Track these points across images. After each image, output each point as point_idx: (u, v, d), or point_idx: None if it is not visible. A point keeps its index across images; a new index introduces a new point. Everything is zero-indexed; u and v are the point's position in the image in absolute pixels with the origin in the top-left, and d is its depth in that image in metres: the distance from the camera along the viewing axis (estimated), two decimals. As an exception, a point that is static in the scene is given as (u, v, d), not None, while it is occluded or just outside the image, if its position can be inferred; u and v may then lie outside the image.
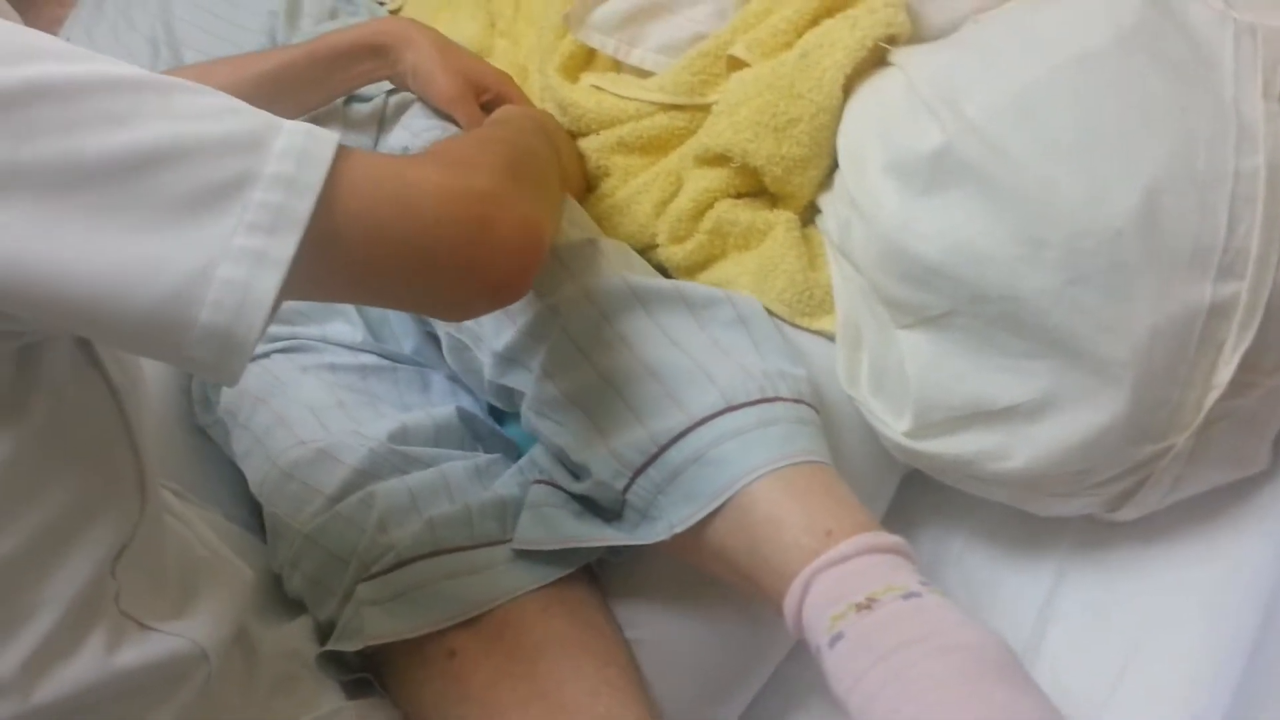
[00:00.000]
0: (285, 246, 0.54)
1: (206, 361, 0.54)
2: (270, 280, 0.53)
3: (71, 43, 1.45)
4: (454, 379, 1.13)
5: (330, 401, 1.02)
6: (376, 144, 1.19)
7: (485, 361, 0.92)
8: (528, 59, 1.30)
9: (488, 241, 0.64)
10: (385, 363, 1.10)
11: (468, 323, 0.93)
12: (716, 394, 0.78)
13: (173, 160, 0.52)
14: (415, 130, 1.14)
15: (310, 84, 1.13)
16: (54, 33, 1.56)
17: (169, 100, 0.53)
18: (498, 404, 1.02)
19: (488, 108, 1.12)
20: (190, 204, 0.52)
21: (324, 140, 0.57)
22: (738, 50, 0.95)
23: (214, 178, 0.53)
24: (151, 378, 0.90)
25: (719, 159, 0.94)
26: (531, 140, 0.87)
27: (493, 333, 0.89)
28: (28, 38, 0.52)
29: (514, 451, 1.07)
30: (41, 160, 0.49)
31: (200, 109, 0.54)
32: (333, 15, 1.48)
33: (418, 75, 1.11)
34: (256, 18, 1.43)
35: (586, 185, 1.11)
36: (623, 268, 0.87)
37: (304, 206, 0.54)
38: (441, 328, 0.99)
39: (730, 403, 0.77)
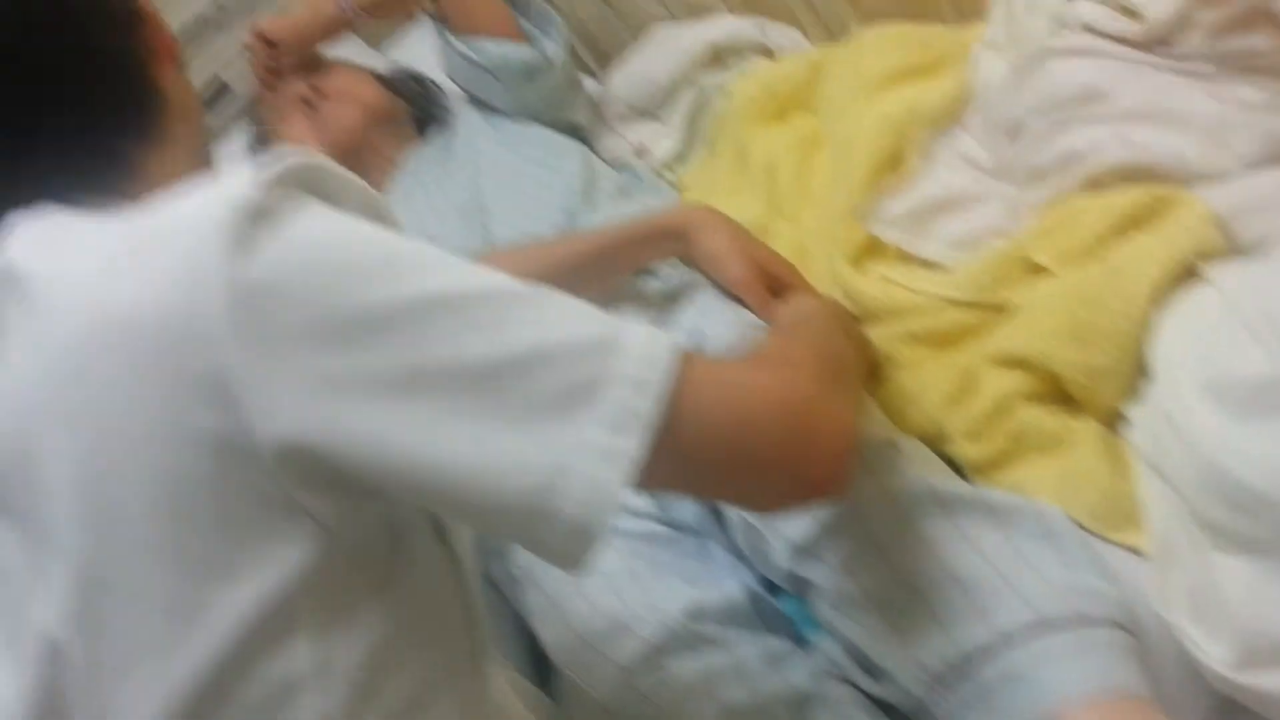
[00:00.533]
0: (635, 443, 0.58)
1: (561, 550, 0.59)
2: (622, 475, 0.57)
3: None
4: (733, 551, 1.16)
5: (622, 569, 1.06)
6: (667, 319, 1.26)
7: (777, 548, 0.95)
8: (808, 239, 1.35)
9: (811, 446, 0.67)
10: (670, 532, 1.14)
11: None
12: (1024, 607, 0.78)
13: (541, 363, 0.58)
14: (704, 309, 1.20)
15: (612, 267, 1.22)
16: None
17: (536, 308, 0.60)
18: (784, 586, 1.04)
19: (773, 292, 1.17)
20: (555, 403, 0.57)
21: (667, 344, 0.62)
22: (1039, 257, 0.97)
23: (574, 378, 0.58)
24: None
25: (1020, 363, 0.95)
26: (837, 340, 0.91)
27: (788, 522, 0.92)
28: (422, 253, 0.59)
29: (792, 630, 1.09)
30: (436, 364, 0.56)
31: (560, 315, 0.60)
32: (624, 193, 1.58)
33: (711, 259, 1.17)
34: (557, 194, 1.54)
35: (871, 372, 1.14)
36: (924, 470, 0.89)
37: (652, 406, 0.59)
38: (736, 519, 1.03)
39: (1040, 618, 0.77)
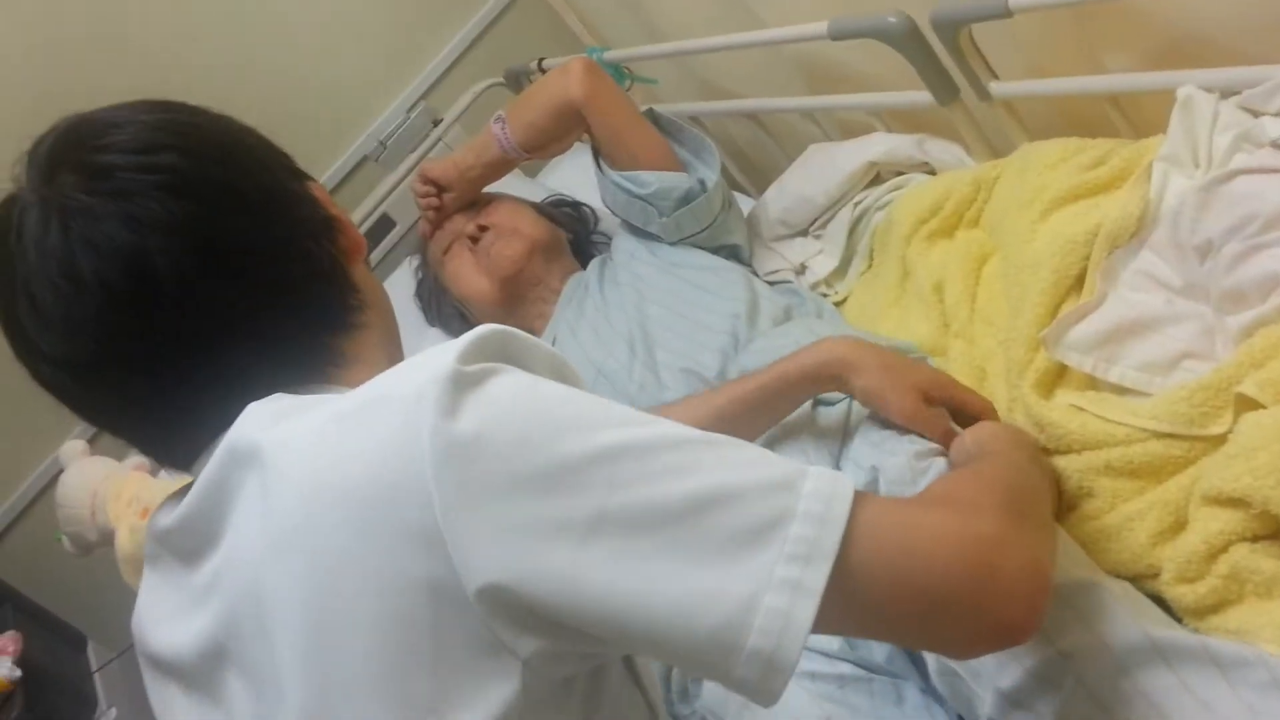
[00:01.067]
0: (818, 576, 0.60)
1: (751, 681, 0.61)
2: (808, 609, 0.60)
3: (556, 340, 1.65)
4: (925, 691, 1.13)
5: (816, 714, 1.05)
6: (840, 453, 1.25)
7: (984, 697, 0.92)
8: (985, 361, 1.33)
9: (995, 587, 0.66)
10: (861, 673, 1.13)
11: (970, 661, 0.93)
12: None
13: (726, 502, 0.61)
14: (875, 441, 1.19)
15: (771, 411, 1.24)
16: (538, 329, 1.77)
17: (718, 452, 0.64)
18: None
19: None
20: (741, 540, 0.61)
21: (843, 482, 0.64)
22: (1247, 388, 0.94)
23: (758, 516, 0.61)
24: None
25: (1235, 502, 0.91)
26: (1028, 473, 0.90)
27: (995, 670, 0.89)
28: (608, 408, 0.65)
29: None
30: (626, 507, 0.61)
31: (741, 459, 0.64)
32: (788, 315, 1.59)
33: (870, 396, 1.17)
34: (721, 319, 1.56)
35: (1062, 504, 1.11)
36: (1139, 615, 0.86)
37: (833, 540, 0.61)
38: (934, 663, 1.00)
39: None
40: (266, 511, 0.65)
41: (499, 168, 1.85)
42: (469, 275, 1.82)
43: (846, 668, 1.13)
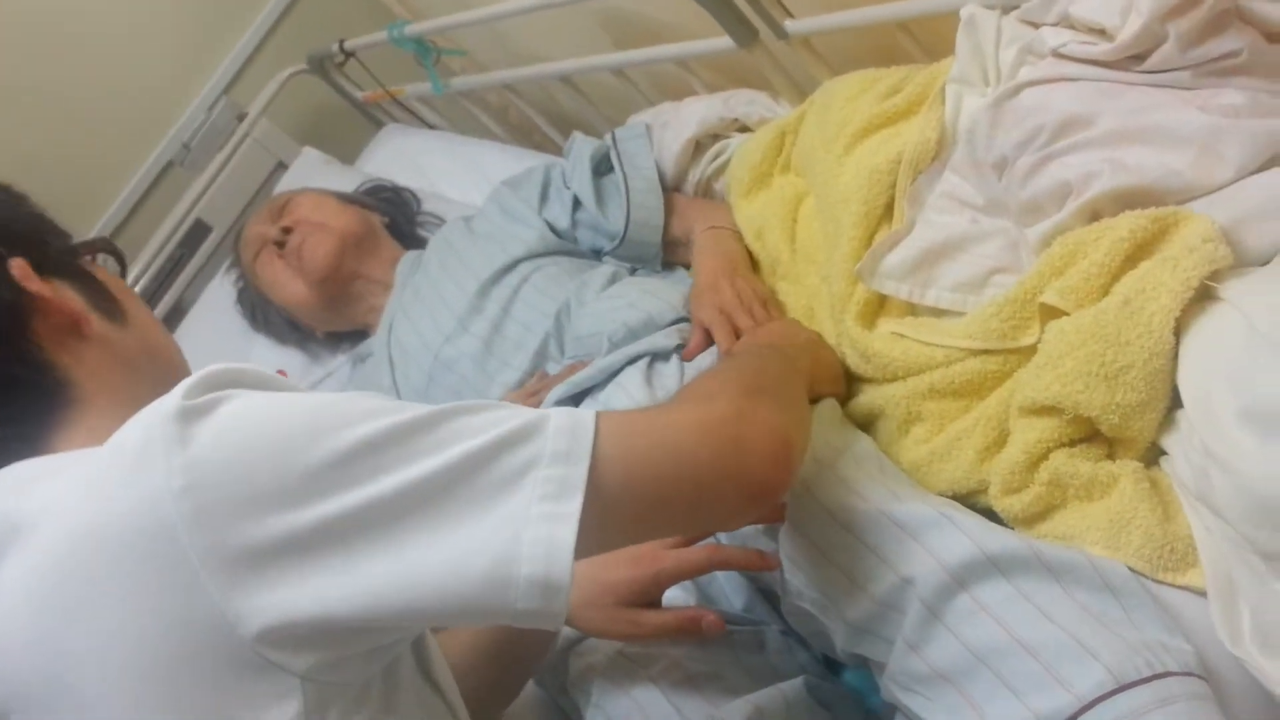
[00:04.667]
0: (573, 505, 0.65)
1: (533, 610, 0.64)
2: (567, 531, 0.64)
3: (393, 328, 1.60)
4: (786, 633, 1.14)
5: (679, 678, 1.04)
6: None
7: (835, 629, 0.93)
8: (812, 299, 1.34)
9: (741, 456, 0.74)
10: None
11: (811, 590, 0.94)
12: (1103, 671, 0.75)
13: (476, 463, 0.65)
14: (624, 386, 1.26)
15: None
16: (371, 323, 1.72)
17: (459, 422, 0.66)
18: (844, 661, 1.01)
19: None
20: (495, 492, 0.65)
21: (584, 415, 0.69)
22: (1049, 297, 0.95)
23: (509, 468, 0.65)
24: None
25: (1049, 410, 0.93)
26: (768, 360, 0.95)
27: (845, 602, 0.90)
28: (344, 405, 0.66)
29: (860, 708, 1.06)
30: (377, 501, 0.63)
31: (483, 421, 0.67)
32: (615, 278, 1.56)
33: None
34: (562, 288, 1.53)
35: (894, 430, 1.12)
36: (972, 530, 0.86)
37: (580, 471, 0.66)
38: (783, 593, 1.00)
39: (1120, 681, 0.75)
40: (29, 575, 0.63)
41: None
42: (283, 281, 1.74)
43: (705, 623, 1.12)
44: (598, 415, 0.70)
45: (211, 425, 0.63)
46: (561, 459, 0.66)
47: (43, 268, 0.82)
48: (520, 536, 0.63)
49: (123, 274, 0.93)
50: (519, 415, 0.68)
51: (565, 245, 1.66)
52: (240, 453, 0.62)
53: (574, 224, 1.65)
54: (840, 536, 0.90)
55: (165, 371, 0.85)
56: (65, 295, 0.83)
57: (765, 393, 0.81)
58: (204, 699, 0.62)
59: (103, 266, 0.91)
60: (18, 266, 0.80)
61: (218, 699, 0.62)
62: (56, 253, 0.86)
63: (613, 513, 0.69)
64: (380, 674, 0.70)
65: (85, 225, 2.29)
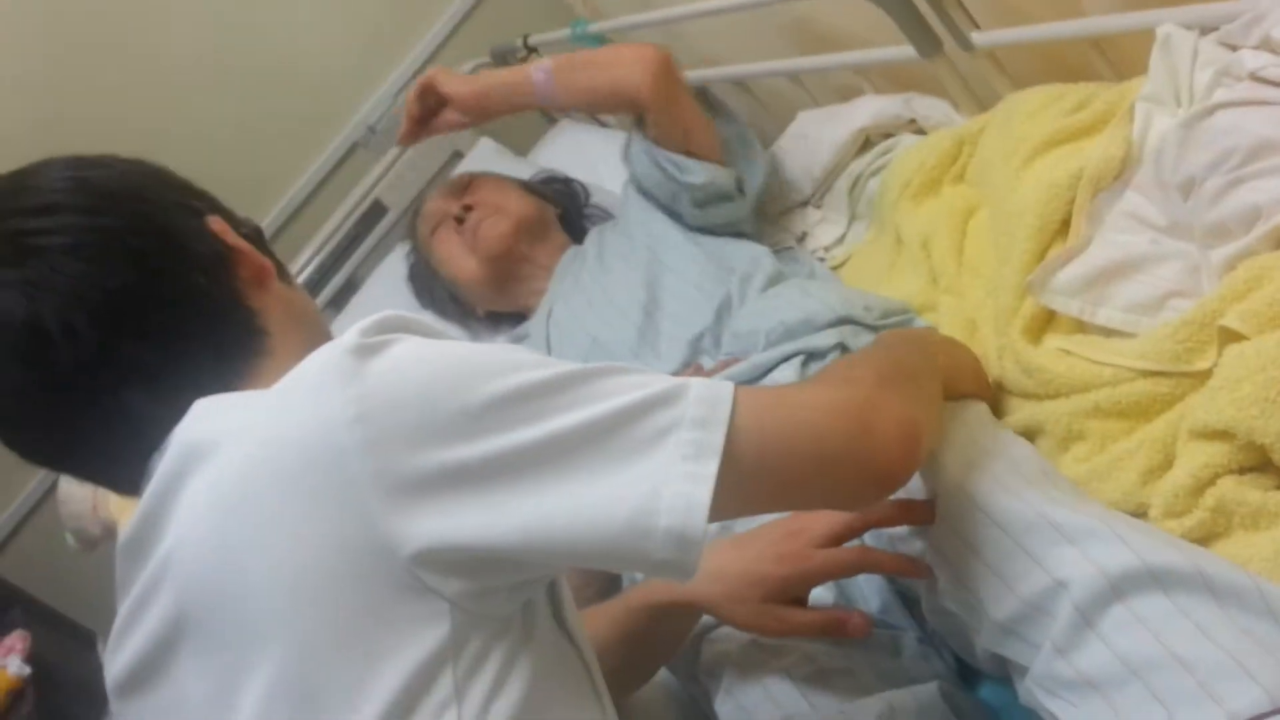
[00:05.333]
0: (710, 468, 0.69)
1: (669, 560, 0.68)
2: (705, 490, 0.68)
3: (551, 314, 1.64)
4: (923, 640, 1.13)
5: (810, 671, 1.04)
6: None
7: (978, 628, 0.92)
8: (975, 313, 1.32)
9: (870, 440, 0.78)
10: (858, 626, 1.12)
11: (957, 588, 0.93)
12: (1260, 691, 0.73)
13: (621, 421, 0.69)
14: None
15: (645, 639, 1.09)
16: (531, 306, 1.77)
17: (608, 380, 0.70)
18: (988, 671, 1.00)
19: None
20: (640, 448, 0.69)
21: (724, 386, 0.73)
22: (1230, 321, 0.93)
23: (652, 427, 0.69)
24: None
25: (1220, 434, 0.90)
26: (898, 353, 0.98)
27: (991, 601, 0.89)
28: (507, 357, 0.71)
29: (995, 721, 1.05)
30: (533, 443, 0.68)
31: (631, 382, 0.71)
32: (780, 277, 1.57)
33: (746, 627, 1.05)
34: (721, 285, 1.55)
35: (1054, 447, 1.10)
36: (1134, 543, 0.85)
37: (718, 437, 0.70)
38: (927, 590, 1.00)
39: (1277, 704, 0.72)
40: (213, 491, 0.69)
41: (518, 108, 1.72)
42: (456, 256, 1.81)
43: (842, 621, 1.12)
44: (736, 388, 0.73)
45: (384, 362, 0.68)
46: (700, 424, 0.70)
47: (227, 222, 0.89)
48: (660, 491, 0.68)
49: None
50: (664, 380, 0.72)
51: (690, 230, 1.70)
52: (409, 389, 0.68)
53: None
54: (993, 534, 0.89)
55: (322, 333, 0.91)
56: (251, 248, 0.89)
57: (899, 383, 0.86)
58: (361, 615, 0.67)
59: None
60: (216, 223, 0.87)
61: (374, 616, 0.67)
62: (230, 216, 0.92)
63: (745, 481, 0.72)
64: (520, 612, 0.74)
65: (271, 200, 2.42)
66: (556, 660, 0.78)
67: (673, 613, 1.06)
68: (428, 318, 1.99)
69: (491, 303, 1.89)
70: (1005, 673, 0.94)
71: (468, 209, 1.80)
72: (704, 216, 1.68)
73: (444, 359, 0.70)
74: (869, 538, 1.06)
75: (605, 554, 0.70)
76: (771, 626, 1.01)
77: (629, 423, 0.69)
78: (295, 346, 0.83)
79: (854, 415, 0.78)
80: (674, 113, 1.63)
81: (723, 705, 1.08)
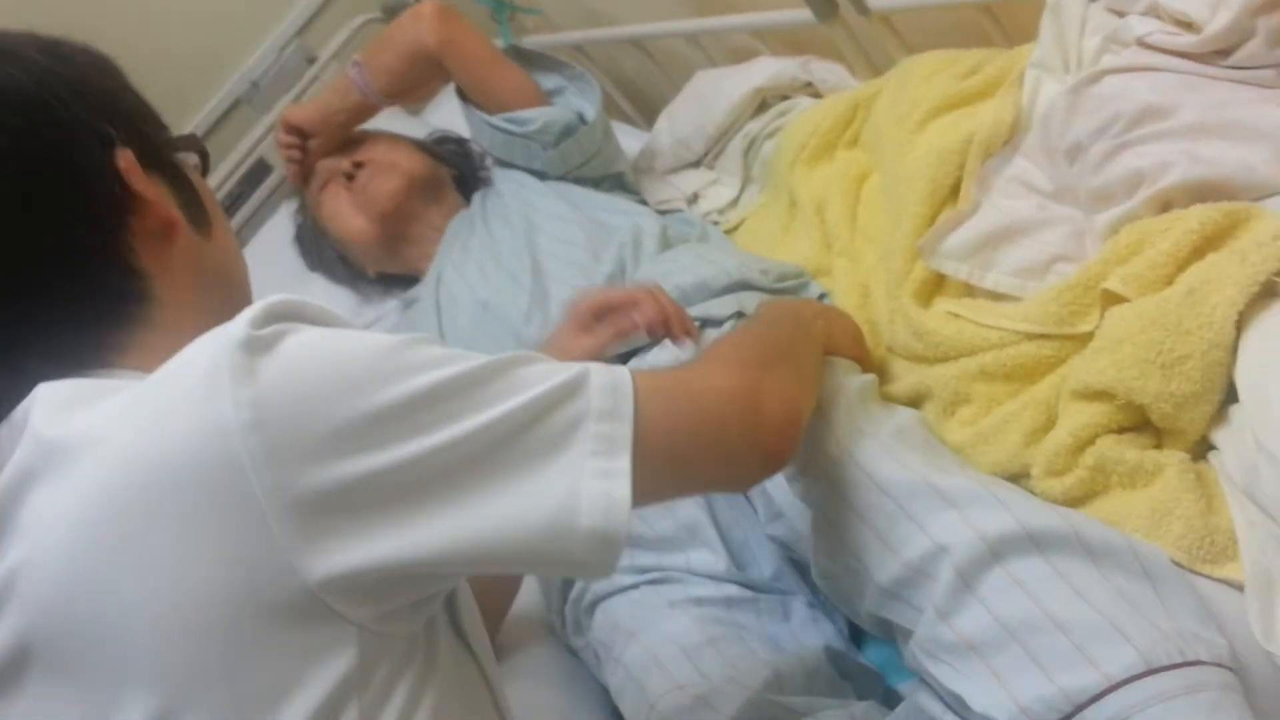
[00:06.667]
0: (622, 461, 0.67)
1: (589, 560, 0.66)
2: (622, 487, 0.67)
3: (441, 278, 1.61)
4: (813, 605, 1.13)
5: (701, 639, 1.04)
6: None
7: (863, 592, 0.92)
8: (868, 277, 1.33)
9: (763, 427, 0.80)
10: (748, 593, 1.12)
11: (843, 553, 0.93)
12: (1133, 654, 0.74)
13: (532, 418, 0.66)
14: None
15: None
16: (422, 269, 1.73)
17: (515, 374, 0.68)
18: (873, 632, 1.01)
19: None
20: (550, 446, 0.66)
21: (621, 374, 0.71)
22: (1112, 284, 0.94)
23: (559, 422, 0.67)
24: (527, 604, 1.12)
25: (1101, 395, 0.92)
26: (780, 331, 0.99)
27: (875, 564, 0.89)
28: (405, 352, 0.65)
29: (879, 685, 1.06)
30: (441, 449, 0.63)
31: (532, 375, 0.68)
32: (671, 241, 1.57)
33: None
34: (609, 250, 1.53)
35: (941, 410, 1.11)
36: (1013, 507, 0.86)
37: (626, 431, 0.69)
38: (814, 561, 1.00)
39: (1150, 664, 0.74)
40: (77, 503, 0.60)
41: (363, 112, 1.80)
42: (346, 214, 1.76)
43: (733, 589, 1.12)
44: (633, 374, 0.72)
45: (278, 360, 0.61)
46: (607, 416, 0.68)
47: (143, 159, 0.77)
48: (578, 490, 0.65)
49: (205, 173, 0.90)
50: (563, 370, 0.70)
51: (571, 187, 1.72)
52: (310, 390, 0.61)
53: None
54: (877, 499, 0.89)
55: (233, 295, 0.83)
56: (162, 195, 0.79)
57: (783, 365, 0.87)
58: (254, 648, 0.60)
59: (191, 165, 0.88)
60: (125, 159, 0.75)
61: (270, 648, 0.60)
62: (155, 145, 0.81)
63: (652, 470, 0.70)
64: (422, 631, 0.70)
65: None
66: (459, 682, 0.74)
67: None
68: (318, 282, 1.95)
69: (382, 264, 1.84)
70: (892, 636, 0.95)
71: (358, 166, 1.75)
72: (565, 159, 1.71)
73: (344, 355, 0.63)
74: (763, 515, 1.08)
75: (526, 559, 0.68)
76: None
77: (536, 420, 0.66)
78: (189, 310, 0.77)
79: (748, 402, 0.79)
80: (467, 51, 1.69)
81: (613, 674, 1.07)
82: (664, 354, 1.29)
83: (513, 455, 0.65)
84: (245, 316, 0.62)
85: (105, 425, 0.61)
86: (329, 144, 1.80)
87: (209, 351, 0.61)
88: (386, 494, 0.61)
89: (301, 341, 0.63)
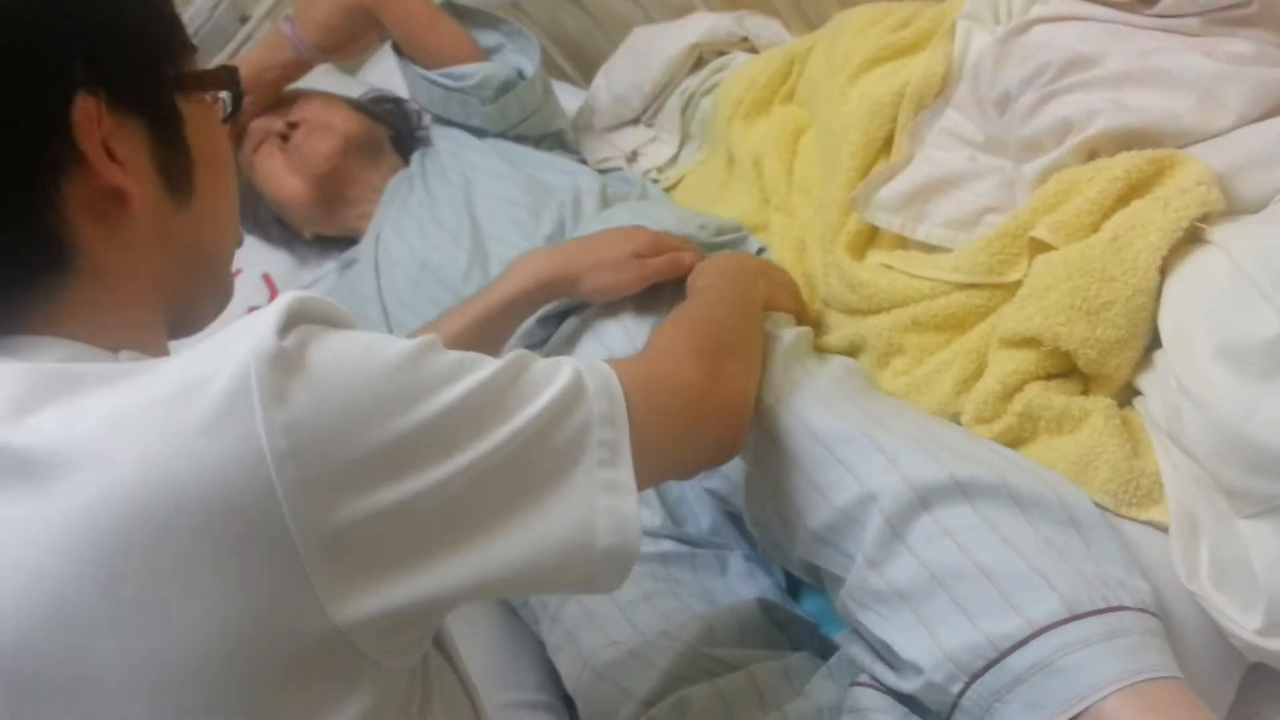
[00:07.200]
0: (626, 471, 0.67)
1: (606, 578, 0.67)
2: (631, 500, 0.66)
3: (380, 238, 1.59)
4: (750, 558, 1.14)
5: (636, 594, 1.04)
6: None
7: (796, 539, 0.93)
8: (804, 232, 1.33)
9: (725, 419, 0.83)
10: (684, 548, 1.13)
11: (776, 499, 0.94)
12: (1057, 599, 0.75)
13: (540, 431, 0.64)
14: (601, 336, 1.27)
15: (500, 330, 1.25)
16: (360, 229, 1.71)
17: (524, 382, 0.65)
18: (805, 579, 1.02)
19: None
20: (563, 461, 0.65)
21: (607, 373, 0.71)
22: (1040, 232, 0.95)
23: (568, 432, 0.66)
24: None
25: (1028, 342, 0.92)
26: (723, 310, 0.98)
27: (808, 510, 0.90)
28: (427, 364, 0.60)
29: (815, 635, 1.07)
30: (472, 463, 0.60)
31: (539, 378, 0.66)
32: (610, 199, 1.56)
33: (602, 293, 1.24)
34: (548, 208, 1.52)
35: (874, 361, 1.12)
36: (945, 456, 0.86)
37: (625, 436, 0.68)
38: (747, 510, 1.01)
39: (1073, 610, 0.75)
40: (58, 530, 0.51)
41: (296, 68, 1.75)
42: (280, 175, 1.73)
43: (670, 545, 1.13)
44: (617, 371, 0.72)
45: (308, 379, 0.54)
46: (608, 422, 0.68)
47: (125, 102, 0.66)
48: (593, 507, 0.65)
49: (231, 117, 0.77)
50: (557, 372, 0.68)
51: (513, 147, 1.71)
52: (340, 416, 0.55)
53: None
54: (810, 445, 0.90)
55: (201, 272, 0.75)
56: (133, 153, 0.67)
57: (736, 352, 0.89)
58: (275, 699, 0.54)
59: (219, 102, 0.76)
60: (84, 109, 0.63)
61: (293, 698, 0.55)
62: (148, 85, 0.69)
63: (643, 469, 0.70)
64: (420, 663, 0.67)
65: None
66: (444, 694, 0.70)
67: (541, 295, 1.22)
68: (250, 244, 1.92)
69: (319, 226, 1.81)
70: (823, 583, 0.96)
71: (292, 126, 1.72)
72: (504, 115, 1.70)
73: (370, 373, 0.57)
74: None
75: (547, 581, 0.66)
76: (636, 274, 1.20)
77: (549, 429, 0.64)
78: (143, 280, 0.68)
79: (711, 396, 0.81)
80: (403, 4, 1.66)
81: (551, 633, 1.07)
82: (614, 325, 1.28)
83: (532, 471, 0.63)
84: (269, 322, 0.55)
85: (94, 438, 0.52)
86: (261, 103, 1.75)
87: (232, 366, 0.53)
88: (417, 523, 0.57)
89: (326, 354, 0.56)
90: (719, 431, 0.83)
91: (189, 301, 0.75)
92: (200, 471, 0.51)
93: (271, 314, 0.56)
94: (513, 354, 0.66)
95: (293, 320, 0.57)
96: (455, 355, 0.63)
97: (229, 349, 0.54)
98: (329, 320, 0.60)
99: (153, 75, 0.69)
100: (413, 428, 0.57)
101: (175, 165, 0.70)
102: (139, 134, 0.67)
